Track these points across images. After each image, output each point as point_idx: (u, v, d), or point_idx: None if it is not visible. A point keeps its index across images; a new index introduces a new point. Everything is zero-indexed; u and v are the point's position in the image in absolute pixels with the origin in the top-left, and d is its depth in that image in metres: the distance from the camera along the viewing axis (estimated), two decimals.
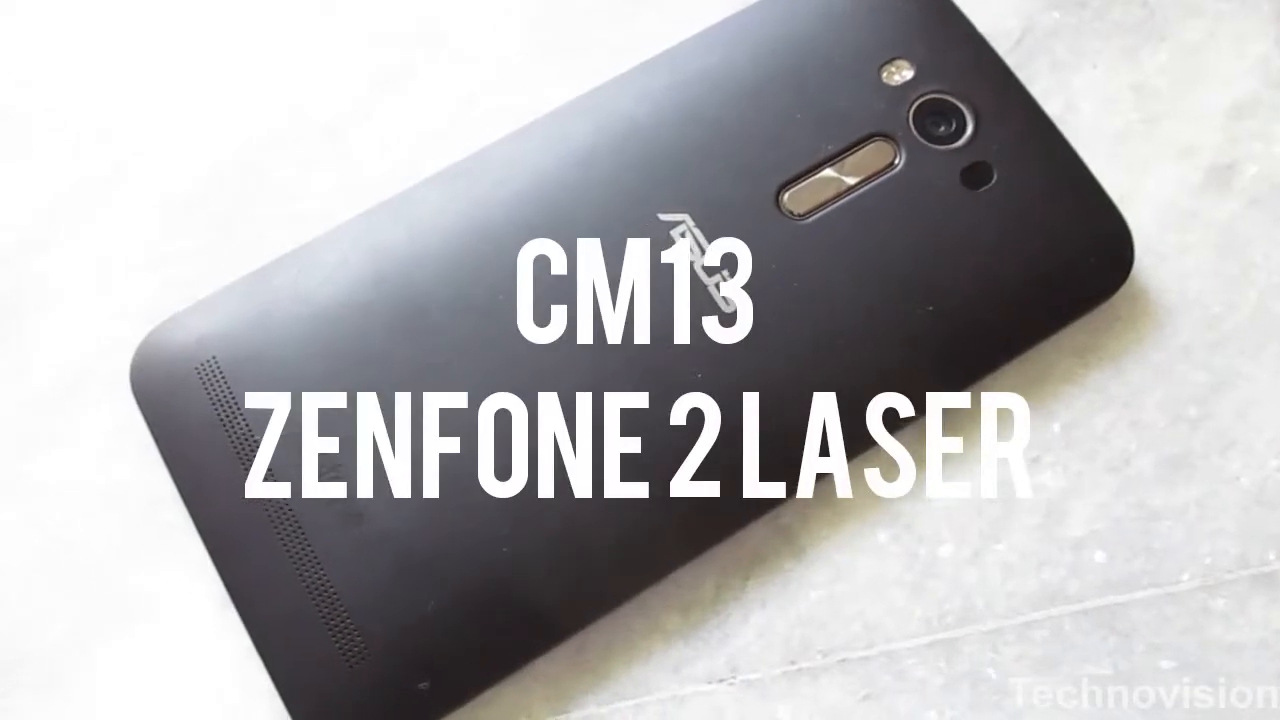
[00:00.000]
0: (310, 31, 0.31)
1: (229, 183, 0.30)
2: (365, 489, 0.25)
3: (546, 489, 0.25)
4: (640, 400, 0.26)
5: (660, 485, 0.25)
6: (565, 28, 0.31)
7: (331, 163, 0.30)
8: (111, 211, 0.29)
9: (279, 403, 0.26)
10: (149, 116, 0.30)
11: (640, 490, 0.25)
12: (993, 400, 0.27)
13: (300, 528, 0.25)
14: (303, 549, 0.25)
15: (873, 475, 0.27)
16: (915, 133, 0.28)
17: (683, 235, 0.27)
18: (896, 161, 0.27)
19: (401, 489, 0.25)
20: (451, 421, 0.25)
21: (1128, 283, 0.27)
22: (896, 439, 0.27)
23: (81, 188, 0.30)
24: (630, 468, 0.25)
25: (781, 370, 0.26)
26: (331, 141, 0.30)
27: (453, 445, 0.25)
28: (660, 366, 0.26)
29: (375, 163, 0.30)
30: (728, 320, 0.26)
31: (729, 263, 0.27)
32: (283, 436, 0.25)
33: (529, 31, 0.31)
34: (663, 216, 0.27)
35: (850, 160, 0.27)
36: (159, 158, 0.30)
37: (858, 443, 0.26)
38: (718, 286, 0.26)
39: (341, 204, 0.28)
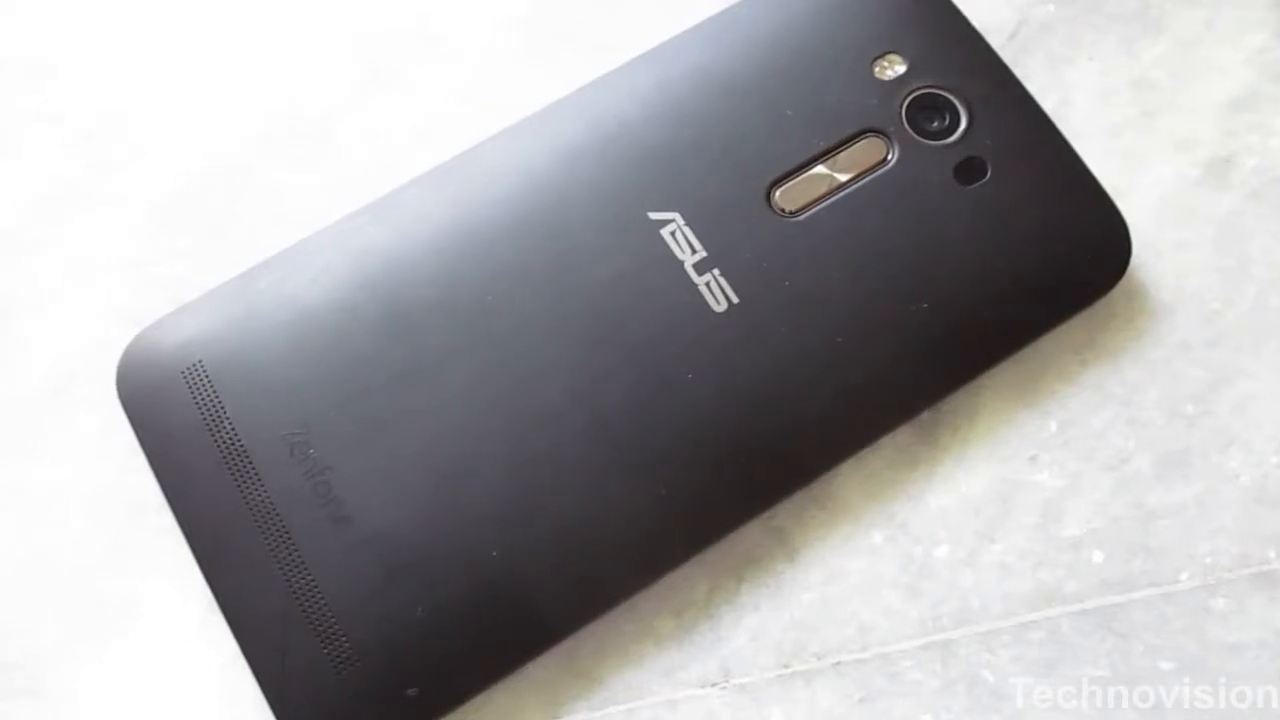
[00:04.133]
0: (301, 31, 0.31)
1: (221, 182, 0.29)
2: (353, 493, 0.25)
3: (536, 491, 0.25)
4: (631, 401, 0.25)
5: (653, 486, 0.25)
6: (557, 25, 0.31)
7: (324, 162, 0.30)
8: (102, 211, 0.29)
9: (266, 407, 0.25)
10: (139, 116, 0.30)
11: (632, 492, 0.25)
12: (989, 399, 0.27)
13: (287, 532, 0.25)
14: (290, 554, 0.24)
15: (867, 476, 0.27)
16: (908, 128, 0.27)
17: (673, 234, 0.27)
18: (889, 158, 0.27)
19: (390, 492, 0.25)
20: (440, 424, 0.25)
21: (1125, 278, 0.27)
22: (891, 438, 0.26)
23: (71, 187, 0.29)
24: (621, 469, 0.25)
25: (774, 370, 0.26)
26: (324, 141, 0.30)
27: (441, 448, 0.25)
28: (651, 367, 0.26)
29: (368, 162, 0.29)
30: (719, 320, 0.26)
31: (720, 262, 0.26)
32: (270, 441, 0.25)
33: (520, 29, 0.31)
34: (653, 215, 0.27)
35: (842, 157, 0.27)
36: (150, 157, 0.30)
37: (852, 442, 0.26)
38: (708, 286, 0.26)
39: (334, 204, 0.28)
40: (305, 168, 0.29)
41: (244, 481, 0.25)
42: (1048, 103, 0.28)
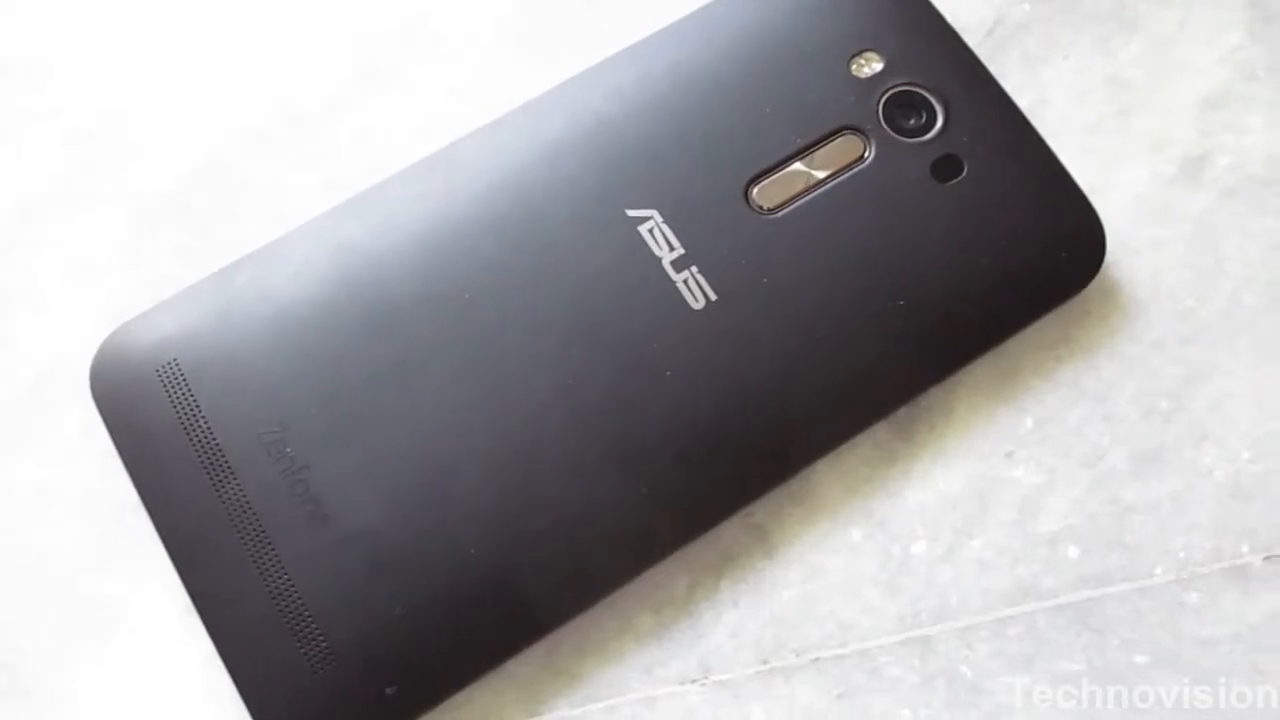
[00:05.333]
0: (301, 30, 0.31)
1: (211, 180, 0.29)
2: (331, 492, 0.25)
3: (515, 489, 0.25)
4: (610, 398, 0.25)
5: (632, 483, 0.25)
6: (557, 24, 0.31)
7: (323, 162, 0.29)
8: (101, 210, 0.29)
9: (242, 405, 0.25)
10: (138, 116, 0.30)
11: (611, 489, 0.25)
12: (966, 395, 0.27)
13: (263, 531, 0.24)
14: (266, 554, 0.24)
15: (845, 472, 0.27)
16: (885, 126, 0.27)
17: (651, 231, 0.26)
18: (866, 155, 0.27)
19: (367, 491, 0.25)
20: (418, 422, 0.25)
21: (1100, 276, 0.27)
22: (869, 435, 0.26)
23: (71, 187, 0.29)
24: (600, 466, 0.25)
25: (752, 366, 0.26)
26: (315, 139, 0.30)
27: (419, 446, 0.25)
28: (630, 364, 0.26)
29: (359, 160, 0.29)
30: (697, 317, 0.26)
31: (698, 259, 0.26)
32: (246, 439, 0.25)
33: (521, 29, 0.31)
34: (631, 212, 0.27)
35: (820, 154, 0.27)
36: (149, 157, 0.30)
37: (829, 439, 0.26)
38: (686, 283, 0.26)
39: (324, 202, 0.27)
40: (304, 167, 0.29)
41: (220, 481, 0.25)
42: (1024, 101, 0.29)
